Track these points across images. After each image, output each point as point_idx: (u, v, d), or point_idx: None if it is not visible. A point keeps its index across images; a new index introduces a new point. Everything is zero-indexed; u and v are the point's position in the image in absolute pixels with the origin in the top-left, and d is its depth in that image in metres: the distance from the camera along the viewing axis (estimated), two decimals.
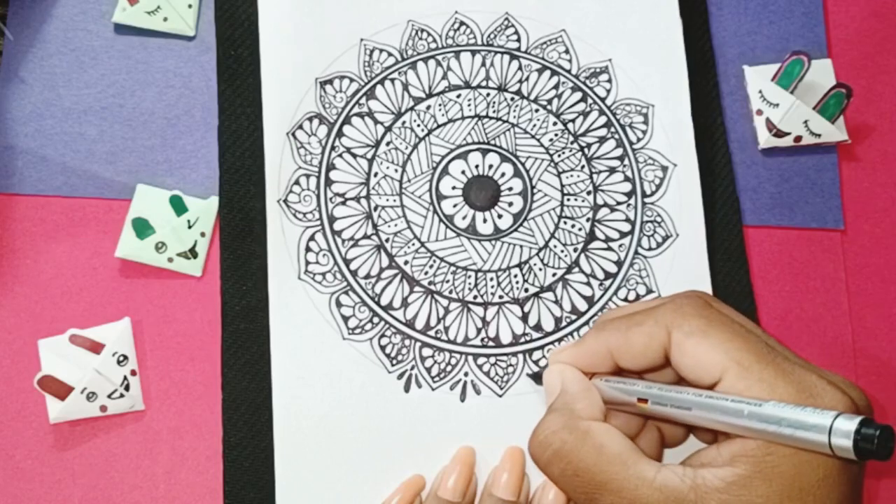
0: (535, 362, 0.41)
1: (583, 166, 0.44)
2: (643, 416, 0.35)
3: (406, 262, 0.42)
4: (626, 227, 0.44)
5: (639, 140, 0.45)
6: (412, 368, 0.40)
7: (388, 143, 0.43)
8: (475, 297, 0.42)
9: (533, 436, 0.33)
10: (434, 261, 0.42)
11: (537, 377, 0.40)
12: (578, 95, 0.45)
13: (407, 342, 0.41)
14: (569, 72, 0.45)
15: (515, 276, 0.42)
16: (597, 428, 0.32)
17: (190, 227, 0.42)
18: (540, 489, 0.39)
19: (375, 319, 0.41)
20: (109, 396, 0.39)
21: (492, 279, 0.42)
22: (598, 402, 0.34)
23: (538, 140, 0.44)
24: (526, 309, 0.42)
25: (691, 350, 0.31)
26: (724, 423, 0.29)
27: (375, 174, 0.43)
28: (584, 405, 0.33)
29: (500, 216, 0.43)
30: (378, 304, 0.41)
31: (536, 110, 0.45)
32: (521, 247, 0.43)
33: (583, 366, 0.35)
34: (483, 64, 0.45)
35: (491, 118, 0.44)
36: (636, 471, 0.30)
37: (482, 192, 0.43)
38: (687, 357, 0.31)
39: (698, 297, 0.33)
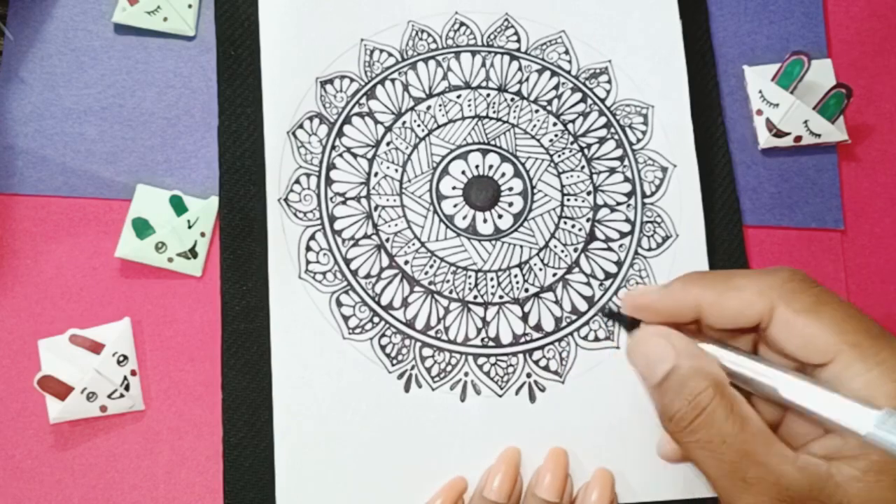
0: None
1: (583, 167, 0.44)
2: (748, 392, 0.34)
3: (406, 262, 0.42)
4: (626, 228, 0.44)
5: (638, 140, 0.45)
6: (412, 368, 0.40)
7: (388, 143, 0.43)
8: (475, 297, 0.42)
9: (672, 394, 0.31)
10: (434, 261, 0.42)
11: (614, 316, 0.36)
12: (578, 96, 0.45)
13: (407, 342, 0.41)
14: (569, 72, 0.45)
15: (515, 276, 0.42)
16: (740, 398, 0.30)
17: (190, 227, 0.42)
18: (583, 490, 0.39)
19: (375, 319, 0.41)
20: (109, 396, 0.39)
21: (492, 279, 0.42)
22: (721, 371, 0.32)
23: (538, 140, 0.44)
24: (526, 309, 0.42)
25: (801, 328, 0.30)
26: (846, 429, 0.28)
27: (376, 174, 0.43)
28: (719, 371, 0.31)
29: (500, 216, 0.43)
30: (378, 303, 0.41)
31: (536, 111, 0.45)
32: (522, 247, 0.43)
33: (663, 312, 0.33)
34: (483, 64, 0.45)
35: (491, 118, 0.44)
36: (778, 448, 0.29)
37: (482, 193, 0.43)
38: (796, 336, 0.30)
39: (802, 274, 0.32)
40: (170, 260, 0.41)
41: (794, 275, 0.32)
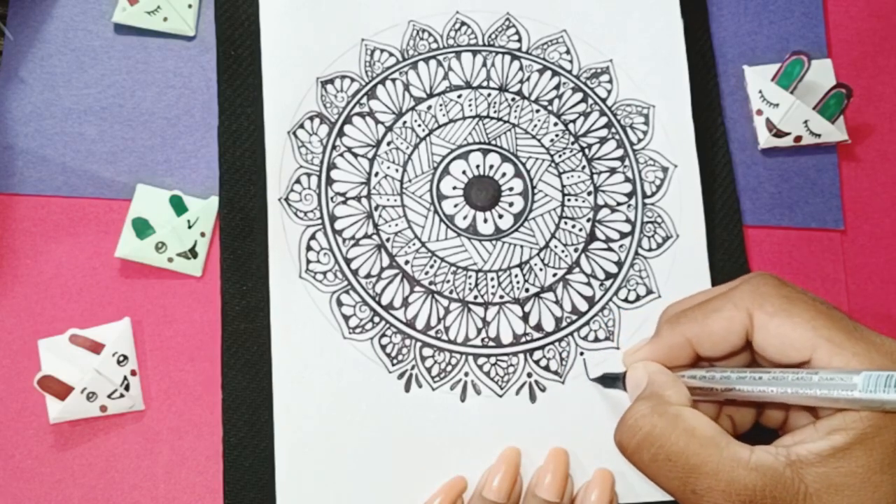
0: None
1: (583, 167, 0.44)
2: (724, 403, 0.35)
3: (407, 262, 0.42)
4: (626, 228, 0.44)
5: (639, 141, 0.45)
6: (412, 368, 0.40)
7: (388, 143, 0.43)
8: (476, 297, 0.42)
9: (621, 423, 0.32)
10: (435, 261, 0.42)
11: (608, 380, 0.39)
12: (579, 96, 0.45)
13: (407, 342, 0.41)
14: (570, 72, 0.45)
15: (516, 276, 0.42)
16: (686, 412, 0.31)
17: (190, 227, 0.42)
18: (583, 490, 0.39)
19: (376, 319, 0.41)
20: (109, 396, 0.39)
21: (492, 279, 0.42)
22: (685, 390, 0.33)
23: (539, 140, 0.44)
24: (526, 309, 0.42)
25: (776, 330, 0.31)
26: (827, 398, 0.29)
27: (376, 174, 0.43)
28: (673, 392, 0.33)
29: (500, 216, 0.43)
30: (379, 303, 0.41)
31: (537, 111, 0.45)
32: (522, 247, 0.43)
33: (661, 360, 0.35)
34: (484, 64, 0.45)
35: (492, 118, 0.44)
36: (730, 453, 0.29)
37: (483, 193, 0.43)
38: (772, 337, 0.31)
39: (772, 277, 0.33)
40: (170, 260, 0.41)
41: (765, 279, 0.33)
